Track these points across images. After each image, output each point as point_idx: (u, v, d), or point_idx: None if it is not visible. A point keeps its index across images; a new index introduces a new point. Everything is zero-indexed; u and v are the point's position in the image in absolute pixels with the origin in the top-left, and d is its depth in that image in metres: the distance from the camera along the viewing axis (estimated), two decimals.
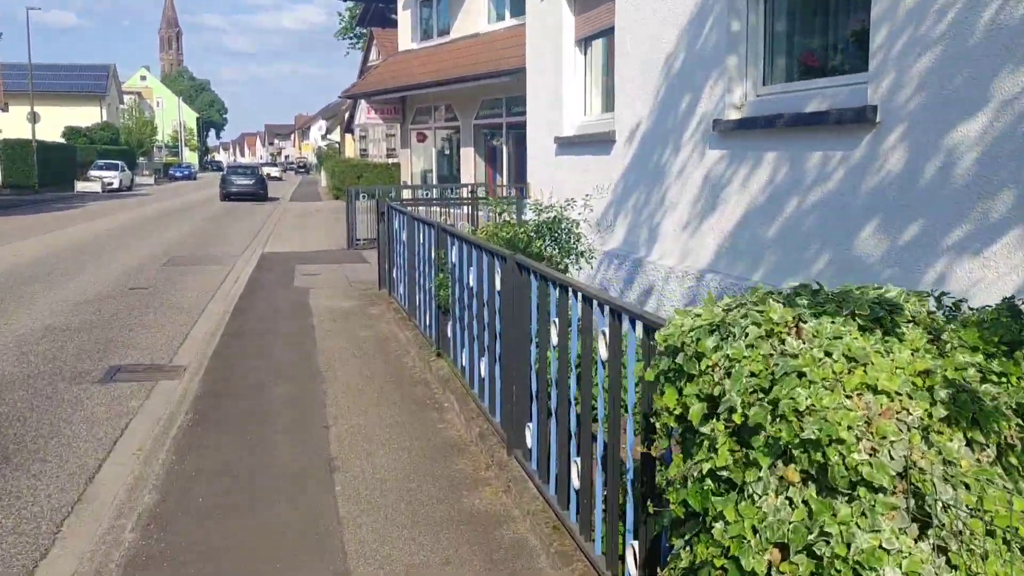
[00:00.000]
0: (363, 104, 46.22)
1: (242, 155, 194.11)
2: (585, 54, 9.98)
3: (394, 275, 10.87)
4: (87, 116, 69.22)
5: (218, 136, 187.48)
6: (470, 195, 19.13)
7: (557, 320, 4.28)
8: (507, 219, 8.45)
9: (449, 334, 7.20)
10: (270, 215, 29.81)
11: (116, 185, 52.02)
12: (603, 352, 3.64)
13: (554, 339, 4.30)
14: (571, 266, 7.06)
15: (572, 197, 7.42)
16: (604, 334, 3.60)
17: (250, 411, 6.61)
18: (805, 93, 5.77)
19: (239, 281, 13.79)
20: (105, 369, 8.18)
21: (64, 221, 26.87)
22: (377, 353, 8.49)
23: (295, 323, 10.17)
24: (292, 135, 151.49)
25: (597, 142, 9.05)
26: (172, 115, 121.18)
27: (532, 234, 7.12)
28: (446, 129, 27.38)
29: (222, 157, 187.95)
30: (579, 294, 3.95)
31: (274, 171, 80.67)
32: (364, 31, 55.60)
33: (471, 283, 6.11)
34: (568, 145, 9.98)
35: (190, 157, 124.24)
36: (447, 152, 28.07)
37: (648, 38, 7.77)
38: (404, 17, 29.01)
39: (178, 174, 79.51)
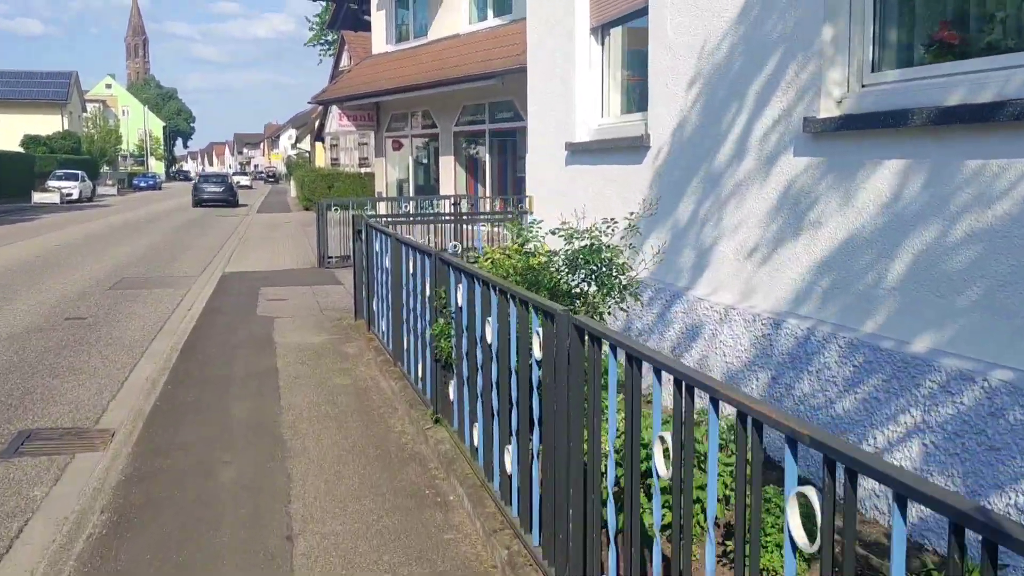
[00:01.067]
0: (335, 111, 44.46)
1: (210, 164, 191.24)
2: (602, 44, 8.39)
3: (374, 306, 9.20)
4: (48, 125, 66.83)
5: (185, 145, 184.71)
6: (453, 208, 17.51)
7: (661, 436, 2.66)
8: (517, 243, 6.84)
9: (452, 396, 5.56)
10: (235, 228, 27.98)
11: (75, 196, 49.79)
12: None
13: (661, 468, 2.68)
14: (615, 306, 5.48)
15: (612, 217, 5.82)
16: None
17: (187, 509, 4.91)
18: (947, 80, 4.21)
19: (194, 308, 12.05)
20: (12, 435, 6.45)
21: (10, 236, 24.88)
22: (356, 411, 6.81)
23: (256, 364, 8.47)
24: (261, 144, 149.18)
25: (623, 148, 7.46)
26: (138, 124, 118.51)
27: (562, 267, 5.48)
28: (424, 137, 25.75)
29: (190, 166, 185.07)
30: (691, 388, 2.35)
31: (244, 180, 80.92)
32: (335, 37, 53.91)
33: (489, 339, 4.48)
34: (583, 152, 8.38)
35: (156, 166, 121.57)
36: (424, 161, 26.42)
37: (697, 17, 6.19)
38: (378, 18, 27.35)
39: (142, 184, 77.13)
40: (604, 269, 5.18)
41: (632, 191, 7.27)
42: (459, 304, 5.16)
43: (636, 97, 7.95)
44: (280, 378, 7.90)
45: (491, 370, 4.50)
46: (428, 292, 6.02)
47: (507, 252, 6.82)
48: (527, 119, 10.06)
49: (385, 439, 6.09)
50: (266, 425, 6.47)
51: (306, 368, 8.30)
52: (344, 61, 43.30)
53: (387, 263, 8.07)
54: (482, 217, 13.45)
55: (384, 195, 27.44)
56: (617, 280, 5.25)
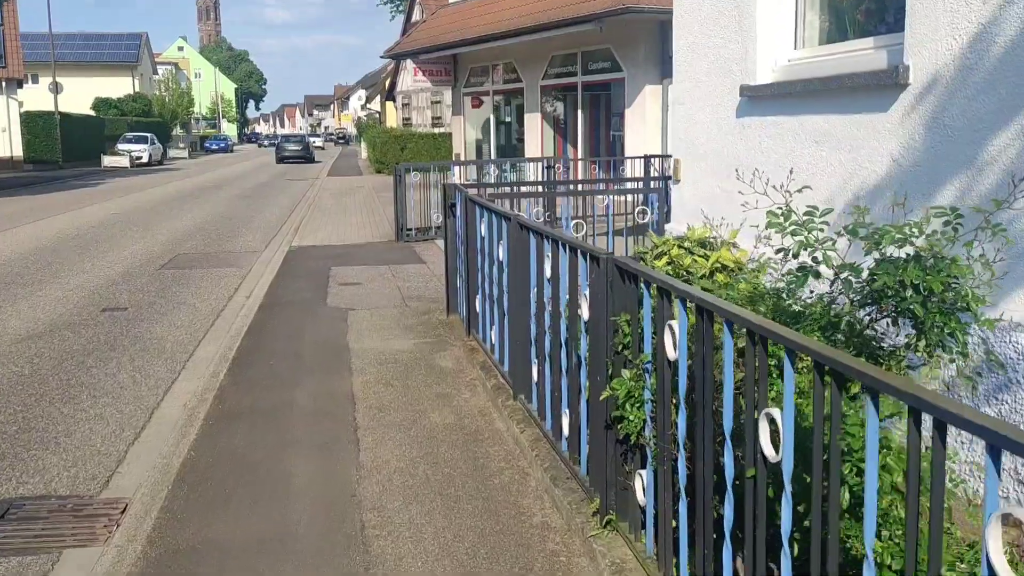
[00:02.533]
0: (408, 67, 42.34)
1: (281, 126, 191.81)
2: None
3: (476, 305, 7.07)
4: (118, 87, 66.18)
5: (257, 107, 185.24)
6: (546, 172, 15.27)
7: None
8: (696, 235, 4.63)
9: (643, 498, 3.39)
10: (305, 193, 26.18)
11: (145, 159, 48.87)
12: None
13: None
14: (961, 376, 3.23)
15: (823, 201, 3.52)
16: None
17: None
18: None
19: (253, 296, 10.10)
20: None
21: (67, 204, 23.43)
22: (469, 479, 4.69)
23: (326, 387, 6.43)
24: (331, 105, 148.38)
25: (848, 90, 5.11)
26: (210, 86, 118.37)
27: (863, 297, 3.10)
28: (506, 92, 23.47)
29: (262, 128, 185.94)
30: None
31: (317, 141, 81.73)
32: None
33: (766, 449, 2.29)
34: (768, 99, 6.05)
35: (228, 129, 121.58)
36: (507, 119, 24.17)
37: None
38: None
39: (213, 147, 76.46)
40: (937, 303, 2.84)
41: (867, 154, 4.94)
42: (671, 354, 2.96)
43: (860, 16, 5.58)
44: (358, 412, 5.82)
45: (754, 490, 2.31)
46: (587, 315, 3.84)
47: (686, 246, 4.62)
48: (675, 60, 7.74)
49: (523, 546, 3.95)
50: (339, 506, 4.39)
51: (392, 394, 6.21)
52: (416, 15, 41.10)
53: (500, 254, 5.90)
54: (624, 185, 11.13)
55: (463, 157, 25.32)
56: (961, 323, 2.89)
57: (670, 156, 17.04)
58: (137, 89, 68.80)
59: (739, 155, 6.36)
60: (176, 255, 13.64)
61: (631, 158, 17.05)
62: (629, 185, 11.65)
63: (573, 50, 19.71)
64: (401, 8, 52.77)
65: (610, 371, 3.53)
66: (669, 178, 9.60)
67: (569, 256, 4.22)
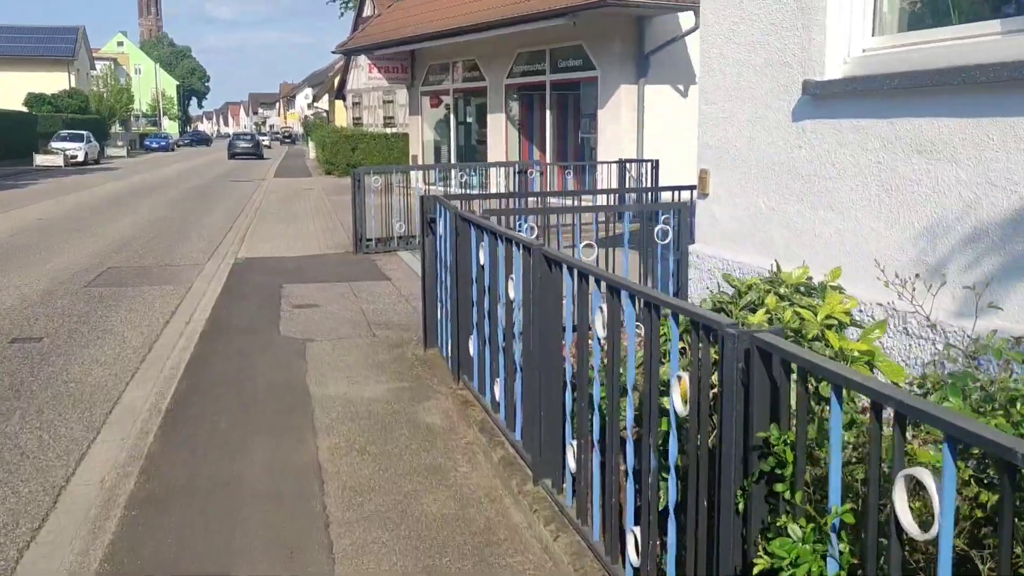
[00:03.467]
0: (360, 64, 40.73)
1: (225, 124, 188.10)
2: None
3: (471, 347, 5.79)
4: (53, 83, 63.24)
5: (200, 105, 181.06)
6: (516, 178, 14.04)
7: None
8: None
9: None
10: (251, 196, 24.59)
11: (81, 158, 46.52)
12: None
13: None
14: None
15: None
16: None
17: None
18: None
19: (193, 321, 8.69)
20: None
21: None
22: None
23: (282, 457, 5.09)
24: (277, 104, 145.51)
25: (970, 85, 3.96)
26: (151, 83, 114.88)
27: None
28: (468, 91, 22.18)
29: (205, 127, 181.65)
30: None
31: (264, 140, 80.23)
32: None
33: None
34: (847, 97, 4.86)
35: (170, 127, 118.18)
36: (468, 120, 22.87)
37: None
38: None
39: (153, 145, 73.78)
40: None
41: (1002, 172, 3.78)
42: (901, 513, 1.74)
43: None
44: (328, 495, 4.51)
45: None
46: (685, 410, 2.59)
47: (781, 292, 3.43)
48: (705, 50, 6.63)
49: None
50: None
51: (370, 466, 4.91)
52: (368, 10, 39.58)
53: (511, 292, 4.64)
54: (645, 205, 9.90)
55: (420, 159, 23.97)
56: None
57: (647, 161, 15.97)
58: (73, 85, 65.98)
59: (798, 166, 5.18)
60: (106, 269, 12.10)
61: (605, 163, 15.91)
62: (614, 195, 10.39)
63: (541, 47, 18.51)
64: (351, 4, 51.18)
65: (742, 507, 2.28)
66: (685, 187, 8.44)
67: (642, 310, 2.98)
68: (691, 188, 7.70)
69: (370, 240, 13.32)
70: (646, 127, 16.77)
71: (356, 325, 8.48)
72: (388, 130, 39.18)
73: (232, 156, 54.51)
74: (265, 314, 9.00)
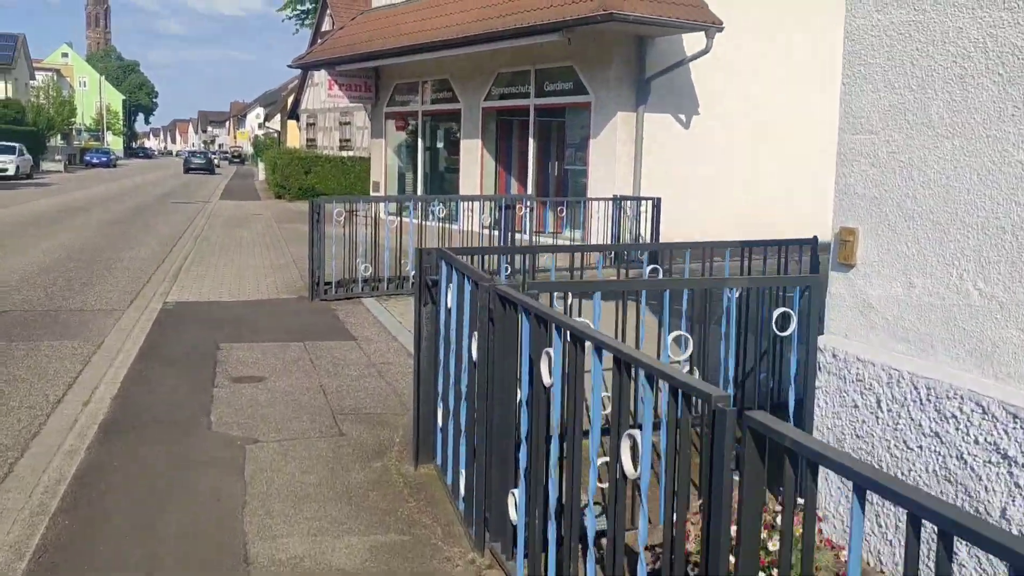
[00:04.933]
0: (316, 83, 38.48)
1: (173, 142, 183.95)
2: None
3: (513, 507, 3.65)
4: None
5: (147, 121, 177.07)
6: (501, 214, 12.01)
7: None
8: None
9: None
10: (192, 221, 22.16)
11: (11, 172, 43.35)
12: None
13: None
14: None
15: None
16: None
17: None
18: None
19: (93, 403, 6.42)
20: None
21: None
22: None
23: None
24: (227, 122, 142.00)
25: None
26: (96, 96, 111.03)
27: None
28: (439, 114, 20.12)
29: (152, 143, 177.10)
30: None
31: (214, 159, 76.81)
32: (313, 3, 47.86)
33: None
34: None
35: (115, 142, 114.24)
36: (439, 145, 20.79)
37: None
38: None
39: (94, 160, 70.30)
40: None
41: None
42: None
43: None
44: None
45: None
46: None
47: None
48: (850, 56, 4.72)
49: None
50: None
51: None
52: (327, 25, 37.47)
53: (625, 461, 2.54)
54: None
55: (382, 186, 21.82)
56: None
57: (648, 199, 14.03)
58: (9, 94, 62.62)
59: None
60: (2, 312, 9.74)
61: (599, 200, 13.94)
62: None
63: (525, 67, 16.55)
64: (308, 21, 49.03)
65: None
66: (777, 243, 6.43)
67: None
68: (799, 243, 5.74)
69: (328, 284, 11.12)
70: (644, 160, 14.87)
71: (316, 414, 6.28)
72: (345, 153, 36.96)
73: (187, 171, 61.99)
74: (193, 392, 6.76)
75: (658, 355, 4.16)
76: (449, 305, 4.63)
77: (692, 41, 14.37)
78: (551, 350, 3.11)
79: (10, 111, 58.16)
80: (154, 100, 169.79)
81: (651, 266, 5.81)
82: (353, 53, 19.93)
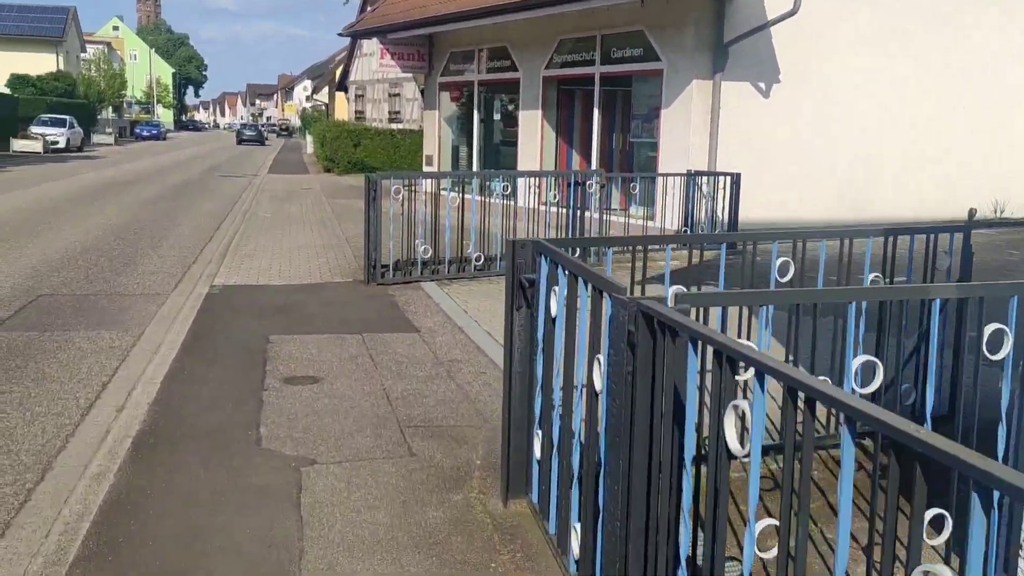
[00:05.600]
0: (365, 53, 37.63)
1: (222, 115, 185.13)
2: None
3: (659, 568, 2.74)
4: (40, 64, 60.04)
5: (196, 94, 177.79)
6: (573, 189, 11.09)
7: None
8: None
9: None
10: (240, 196, 21.50)
11: (62, 144, 43.31)
12: None
13: None
14: None
15: None
16: None
17: None
18: None
19: (128, 409, 5.63)
20: None
21: None
22: None
23: None
24: (275, 95, 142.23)
25: None
26: (146, 69, 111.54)
27: None
28: (496, 84, 19.14)
29: (201, 116, 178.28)
30: None
31: (264, 132, 77.85)
32: None
33: None
34: None
35: (165, 115, 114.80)
36: (495, 117, 19.83)
37: None
38: None
39: (144, 133, 70.39)
40: None
41: None
42: None
43: None
44: None
45: None
46: None
47: None
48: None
49: None
50: None
51: None
52: None
53: None
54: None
55: (436, 161, 20.94)
56: None
57: (726, 174, 12.94)
58: (61, 67, 62.73)
59: None
60: (36, 297, 9.05)
61: (671, 175, 12.89)
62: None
63: (590, 32, 15.48)
64: None
65: None
66: (926, 229, 5.39)
67: None
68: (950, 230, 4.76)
69: (385, 266, 10.28)
70: (720, 133, 13.77)
71: (380, 426, 5.42)
72: (394, 126, 36.17)
73: (240, 142, 65.58)
74: (240, 396, 5.94)
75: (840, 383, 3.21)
76: (554, 313, 3.72)
77: (774, 3, 13.21)
78: (743, 404, 2.18)
79: (61, 84, 58.31)
80: (203, 73, 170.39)
81: (873, 275, 4.80)
82: (406, 20, 18.99)
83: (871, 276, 4.85)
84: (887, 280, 5.06)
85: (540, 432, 3.98)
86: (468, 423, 5.52)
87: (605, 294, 3.00)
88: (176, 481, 4.53)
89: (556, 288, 3.70)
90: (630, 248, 4.88)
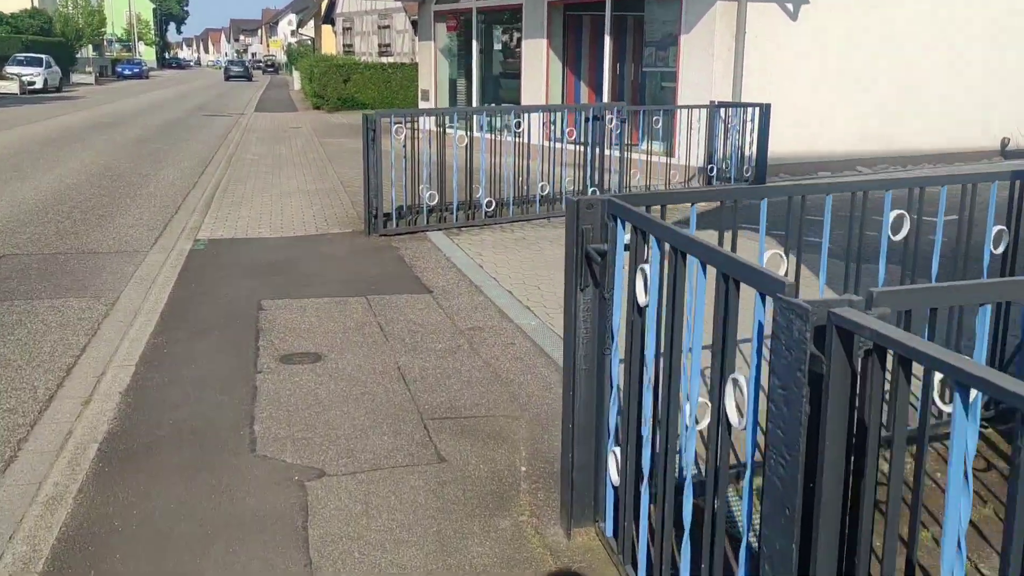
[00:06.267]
0: None
1: (206, 52, 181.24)
2: None
3: None
4: (14, 1, 57.79)
5: (179, 31, 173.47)
6: (598, 122, 10.07)
7: None
8: None
9: None
10: (226, 137, 20.31)
11: (39, 85, 41.75)
12: None
13: None
14: None
15: None
16: None
17: None
18: None
19: (96, 402, 4.70)
20: None
21: None
22: None
23: None
24: (259, 31, 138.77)
25: None
26: (126, 6, 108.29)
27: None
28: (496, 11, 17.86)
29: (185, 53, 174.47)
30: None
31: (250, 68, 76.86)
32: None
33: None
34: None
35: (147, 53, 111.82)
36: (496, 48, 18.58)
37: None
38: None
39: (126, 71, 68.41)
40: None
41: None
42: None
43: None
44: None
45: None
46: None
47: None
48: None
49: None
50: None
51: None
52: None
53: None
54: None
55: (432, 96, 19.74)
56: None
57: (755, 105, 11.85)
58: (36, 4, 60.45)
59: None
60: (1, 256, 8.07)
61: (694, 107, 11.80)
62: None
63: None
64: None
65: None
66: None
67: None
68: None
69: (387, 215, 9.28)
70: (744, 60, 12.65)
71: (399, 419, 4.50)
72: (385, 59, 34.73)
73: (228, 78, 66.13)
74: (230, 381, 5.00)
75: None
76: (643, 301, 2.77)
77: None
78: None
79: (36, 21, 56.19)
80: (185, 9, 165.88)
81: None
82: None
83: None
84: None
85: (618, 451, 3.06)
86: (503, 412, 4.61)
87: (757, 292, 2.04)
88: (150, 508, 3.62)
89: (645, 267, 2.75)
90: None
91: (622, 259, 2.96)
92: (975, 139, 15.14)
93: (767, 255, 3.16)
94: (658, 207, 3.33)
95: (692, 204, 3.32)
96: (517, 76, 16.81)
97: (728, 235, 3.30)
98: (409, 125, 9.37)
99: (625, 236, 2.92)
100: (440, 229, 9.33)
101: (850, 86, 13.53)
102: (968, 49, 14.43)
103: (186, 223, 9.78)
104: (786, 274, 2.64)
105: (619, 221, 2.98)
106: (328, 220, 9.97)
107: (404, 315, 6.35)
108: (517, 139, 9.86)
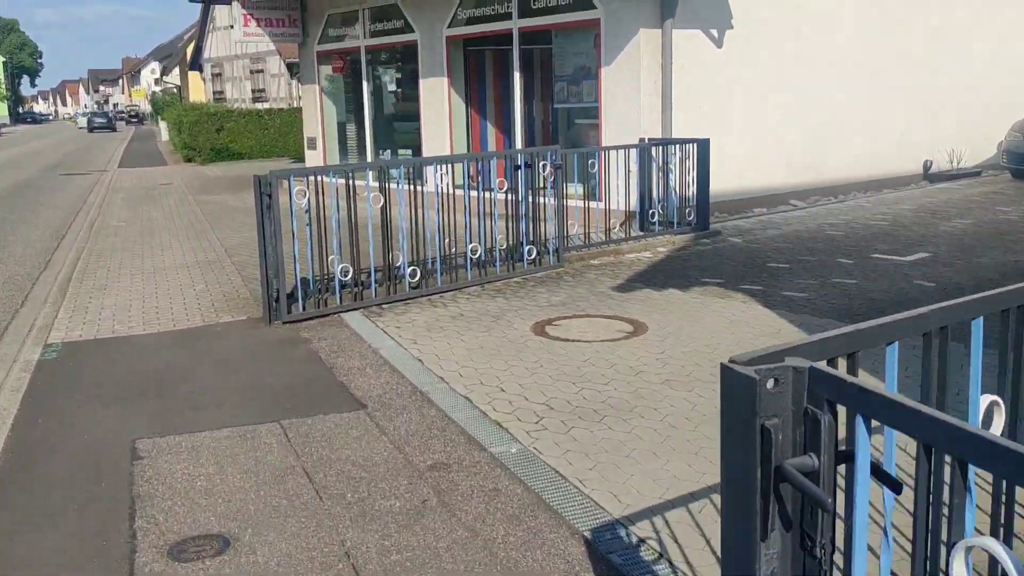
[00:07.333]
0: (219, 27, 33.71)
1: (63, 104, 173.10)
2: None
3: None
4: None
5: (32, 84, 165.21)
6: (520, 171, 8.66)
7: None
8: None
9: None
10: (86, 199, 18.00)
11: None
12: None
13: None
14: None
15: None
16: None
17: None
18: None
19: None
20: None
21: None
22: None
23: None
24: (120, 80, 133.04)
25: None
26: None
27: None
28: (388, 48, 16.31)
29: (41, 107, 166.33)
30: None
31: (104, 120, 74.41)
32: None
33: None
34: None
35: None
36: (391, 88, 17.00)
37: None
38: None
39: None
40: None
41: None
42: None
43: None
44: None
45: None
46: None
47: None
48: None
49: None
50: None
51: None
52: None
53: None
54: None
55: (320, 145, 17.99)
56: None
57: (691, 142, 10.43)
58: None
59: None
60: None
61: (623, 148, 10.53)
62: None
63: None
64: None
65: None
66: None
67: None
68: None
69: (291, 296, 7.56)
70: (672, 92, 11.50)
71: None
72: (260, 105, 32.73)
73: (91, 130, 66.50)
74: None
75: None
76: None
77: None
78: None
79: None
80: (39, 61, 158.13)
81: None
82: None
83: None
84: None
85: None
86: None
87: None
88: None
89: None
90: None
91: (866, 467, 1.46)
92: (900, 163, 14.51)
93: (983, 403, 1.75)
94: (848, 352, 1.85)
95: (886, 345, 1.86)
96: (415, 119, 15.28)
97: None
98: (311, 186, 7.69)
99: (864, 439, 1.42)
100: (357, 308, 7.68)
101: (778, 117, 12.58)
102: (888, 75, 13.77)
103: (34, 320, 7.81)
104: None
105: (862, 419, 1.48)
106: (215, 304, 8.17)
107: (337, 451, 4.68)
108: (437, 191, 8.30)
